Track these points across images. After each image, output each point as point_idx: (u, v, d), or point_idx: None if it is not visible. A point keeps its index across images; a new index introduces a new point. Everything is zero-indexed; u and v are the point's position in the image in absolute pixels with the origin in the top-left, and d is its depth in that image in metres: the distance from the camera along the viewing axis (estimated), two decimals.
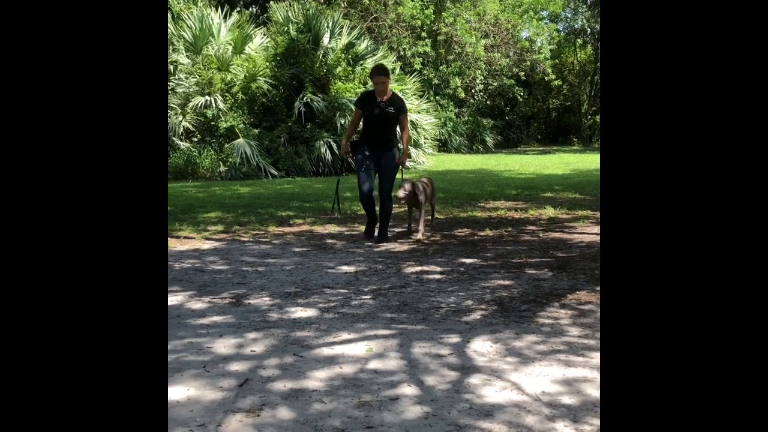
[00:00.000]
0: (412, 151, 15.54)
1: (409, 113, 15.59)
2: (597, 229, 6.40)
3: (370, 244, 5.88)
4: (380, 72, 5.99)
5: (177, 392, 2.59)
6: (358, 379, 2.73)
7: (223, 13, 14.72)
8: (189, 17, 14.15)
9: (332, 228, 6.77)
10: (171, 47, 13.55)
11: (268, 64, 13.83)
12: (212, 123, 13.14)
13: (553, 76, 25.19)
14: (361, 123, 6.13)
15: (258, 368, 2.85)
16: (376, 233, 6.05)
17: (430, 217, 6.63)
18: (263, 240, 6.16)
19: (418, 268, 4.87)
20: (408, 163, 15.67)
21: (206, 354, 3.04)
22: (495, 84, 24.99)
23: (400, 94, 7.27)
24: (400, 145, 6.32)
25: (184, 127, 12.98)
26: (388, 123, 5.97)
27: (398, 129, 6.19)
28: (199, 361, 2.94)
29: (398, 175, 6.16)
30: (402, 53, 21.41)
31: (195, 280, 4.56)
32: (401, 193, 5.87)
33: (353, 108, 7.33)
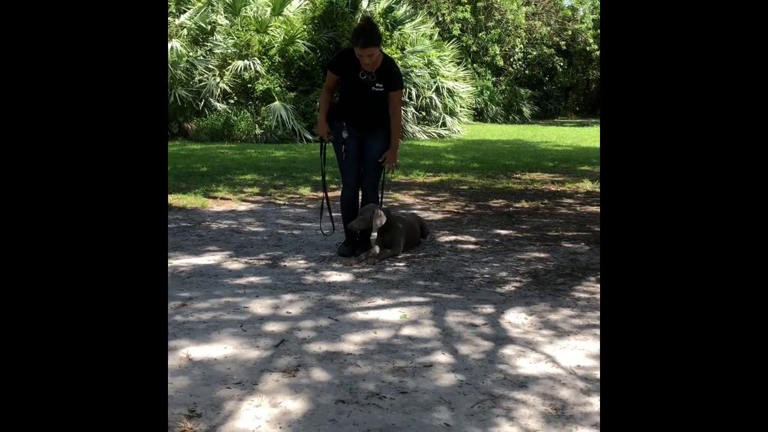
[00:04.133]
0: (447, 120, 15.25)
1: (445, 80, 15.47)
2: None
3: (353, 262, 4.07)
4: (368, 41, 3.93)
5: (215, 350, 2.65)
6: (393, 344, 2.76)
7: None
8: None
9: None
10: (210, 8, 13.53)
11: (305, 27, 13.73)
12: (249, 85, 13.15)
13: (595, 47, 24.54)
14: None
15: (294, 330, 2.89)
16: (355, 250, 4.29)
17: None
18: (298, 204, 6.20)
19: (452, 238, 4.85)
20: (442, 132, 15.34)
21: (243, 313, 3.09)
22: (534, 53, 24.48)
23: (395, 61, 4.64)
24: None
25: (221, 88, 13.03)
26: (373, 102, 4.21)
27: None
28: (237, 320, 2.99)
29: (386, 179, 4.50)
30: (441, 19, 21.10)
31: (232, 241, 4.62)
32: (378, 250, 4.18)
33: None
